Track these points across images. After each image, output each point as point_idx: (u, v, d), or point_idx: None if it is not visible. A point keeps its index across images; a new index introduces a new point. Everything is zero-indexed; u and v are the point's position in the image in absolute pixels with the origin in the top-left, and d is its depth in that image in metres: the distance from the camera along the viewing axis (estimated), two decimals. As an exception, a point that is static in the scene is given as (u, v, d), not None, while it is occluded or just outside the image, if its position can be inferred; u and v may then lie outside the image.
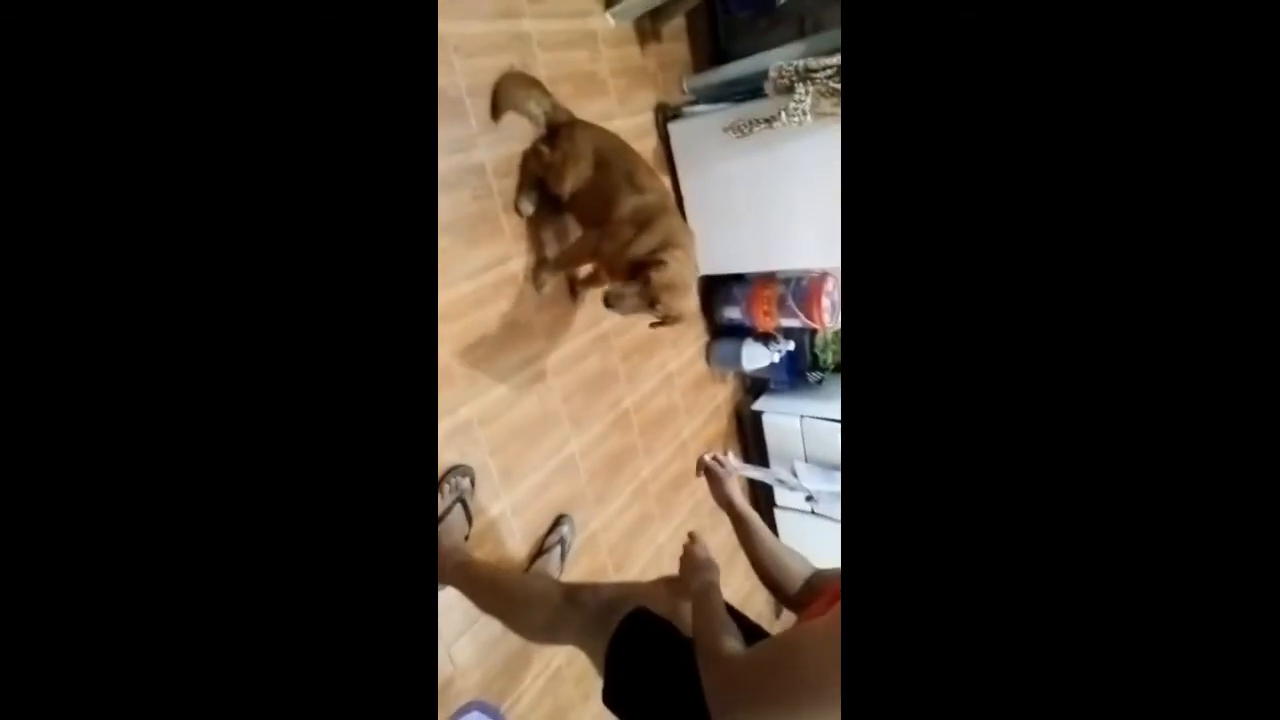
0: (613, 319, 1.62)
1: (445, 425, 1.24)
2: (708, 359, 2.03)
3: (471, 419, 1.29)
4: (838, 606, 0.72)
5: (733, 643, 0.75)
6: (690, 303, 1.27)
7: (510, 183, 1.36)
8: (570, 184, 1.32)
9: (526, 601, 1.11)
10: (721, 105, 1.69)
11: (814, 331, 1.98)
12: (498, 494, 1.37)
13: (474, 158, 1.29)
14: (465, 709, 1.27)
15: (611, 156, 1.33)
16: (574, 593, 1.06)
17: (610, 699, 0.91)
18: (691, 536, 0.97)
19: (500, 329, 1.35)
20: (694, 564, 0.91)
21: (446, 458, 1.25)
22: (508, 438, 1.38)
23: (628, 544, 1.74)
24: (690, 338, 1.96)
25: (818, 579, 0.96)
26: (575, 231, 1.42)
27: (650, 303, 1.21)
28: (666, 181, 1.81)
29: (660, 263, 1.20)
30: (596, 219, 1.33)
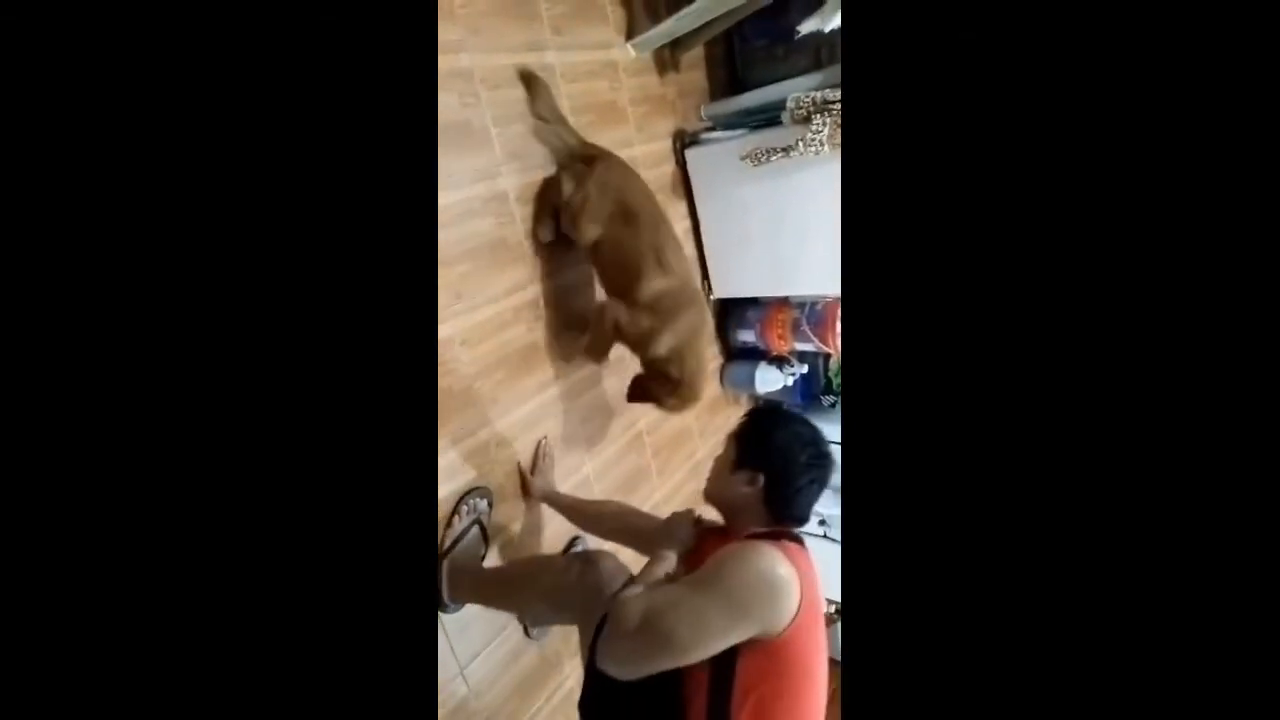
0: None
1: (464, 446, 1.26)
2: (721, 381, 2.04)
3: (489, 441, 1.31)
4: (706, 563, 0.86)
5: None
6: (704, 390, 1.38)
7: (532, 209, 1.39)
8: (588, 233, 1.32)
9: (532, 573, 1.15)
10: (739, 133, 1.72)
11: (828, 356, 1.99)
12: (516, 515, 1.38)
13: (498, 186, 1.32)
14: (478, 731, 1.28)
15: (641, 215, 1.33)
16: (575, 559, 1.12)
17: (584, 710, 0.96)
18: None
19: (520, 353, 1.37)
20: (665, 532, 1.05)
21: (464, 479, 1.27)
22: (526, 460, 1.39)
23: (641, 562, 1.75)
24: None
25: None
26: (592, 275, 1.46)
27: (664, 402, 1.34)
28: (683, 208, 1.84)
29: (675, 380, 1.32)
30: (617, 286, 1.35)
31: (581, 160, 1.36)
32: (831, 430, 1.98)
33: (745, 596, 0.81)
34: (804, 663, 0.83)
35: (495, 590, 1.21)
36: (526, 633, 1.40)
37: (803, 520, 0.98)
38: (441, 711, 1.22)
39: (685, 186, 1.82)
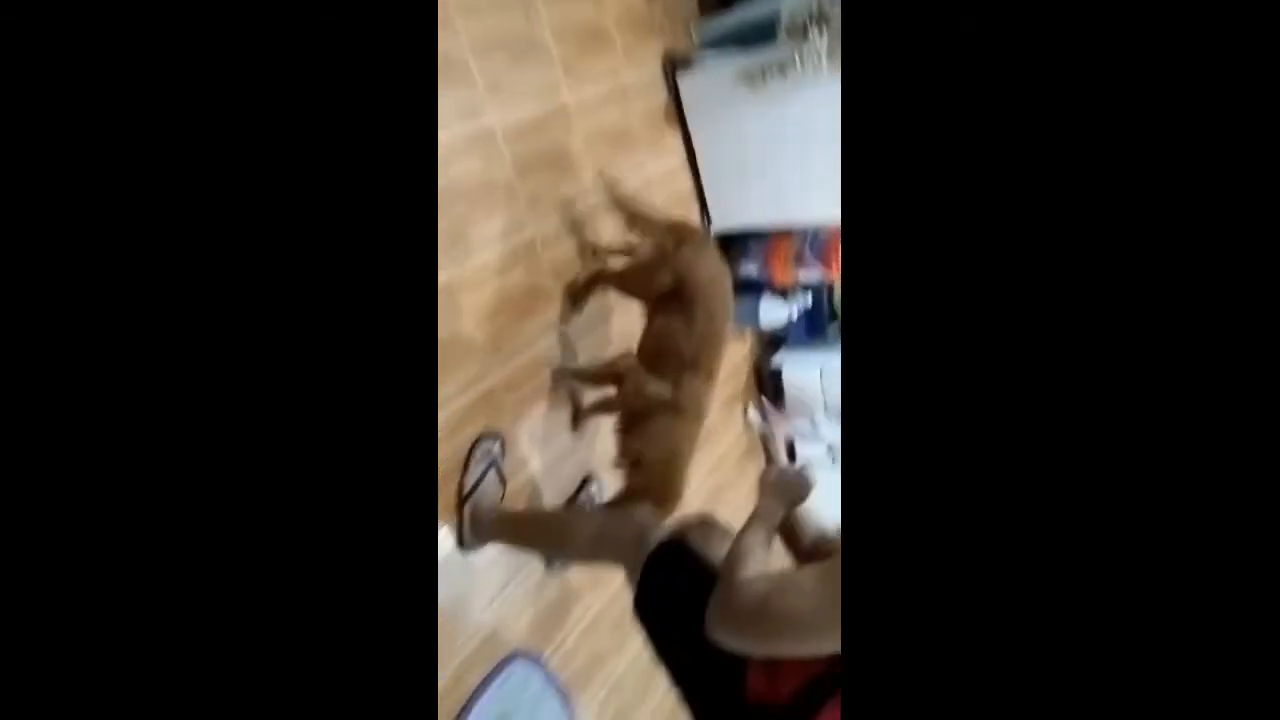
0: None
1: (470, 396, 1.27)
2: (725, 316, 2.02)
3: (496, 387, 1.32)
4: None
5: (750, 571, 0.79)
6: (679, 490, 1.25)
7: (523, 147, 1.34)
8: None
9: (569, 522, 1.18)
10: (732, 52, 1.63)
11: (832, 284, 1.96)
12: (527, 459, 1.40)
13: (483, 123, 1.27)
14: (509, 659, 1.35)
15: (698, 310, 1.25)
16: (615, 510, 1.14)
17: (639, 608, 0.96)
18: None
19: (521, 296, 1.35)
20: (762, 484, 0.96)
21: (475, 427, 1.28)
22: (533, 401, 1.40)
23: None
24: (707, 296, 1.95)
25: (829, 537, 0.99)
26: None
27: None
28: (677, 139, 1.77)
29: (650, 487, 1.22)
30: (649, 357, 1.30)
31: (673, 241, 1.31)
32: (838, 359, 1.99)
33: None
34: None
35: (525, 532, 1.26)
36: (547, 567, 1.46)
37: None
38: (472, 644, 1.29)
39: (679, 116, 1.75)
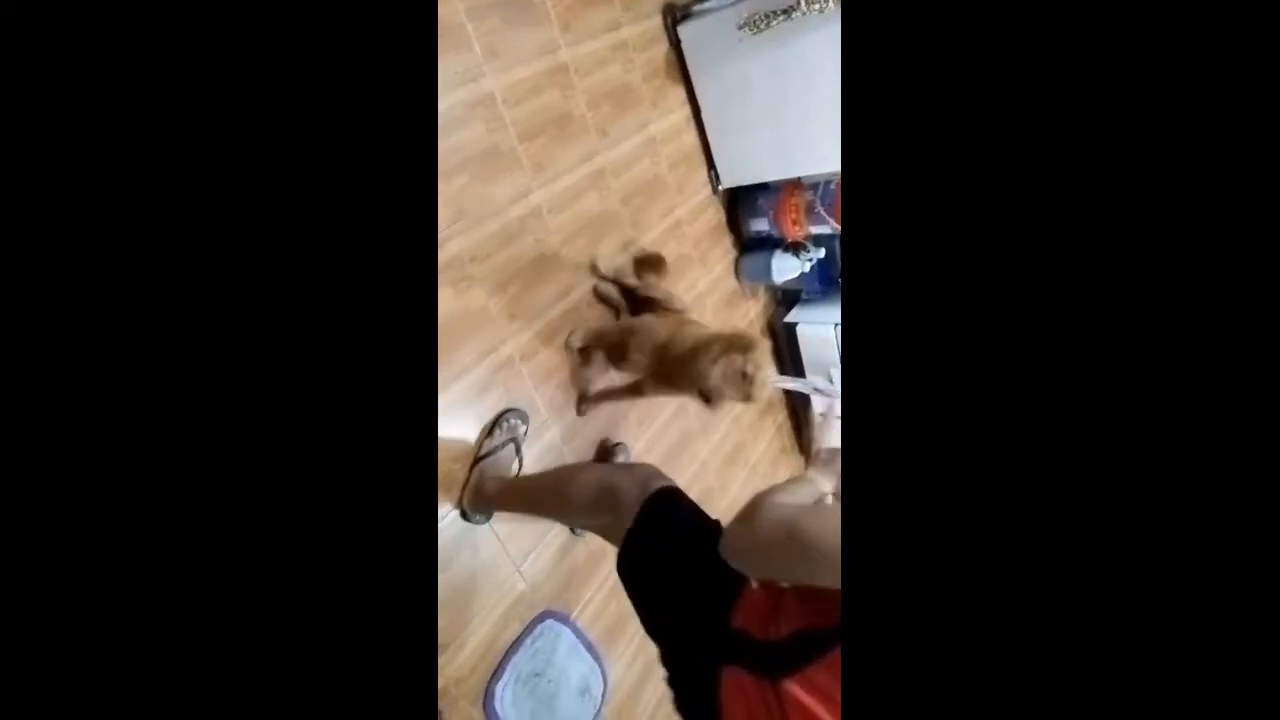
0: (644, 247, 1.61)
1: (488, 364, 1.28)
2: (737, 275, 2.00)
3: (514, 355, 1.33)
4: None
5: (784, 498, 0.81)
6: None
7: (522, 111, 1.31)
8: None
9: (572, 476, 1.13)
10: (734, -1, 1.57)
11: (845, 236, 1.92)
12: (547, 425, 1.42)
13: (482, 88, 1.24)
14: (540, 618, 1.39)
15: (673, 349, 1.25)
16: (616, 469, 1.12)
17: (622, 566, 0.92)
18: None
19: (532, 264, 1.35)
20: (816, 459, 0.95)
21: (492, 396, 1.29)
22: (552, 369, 1.41)
23: (674, 460, 1.81)
24: (718, 255, 1.93)
25: None
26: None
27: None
28: (681, 93, 1.73)
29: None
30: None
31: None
32: (852, 313, 1.97)
33: None
34: None
35: (530, 496, 1.21)
36: (573, 530, 1.49)
37: None
38: (503, 605, 1.33)
39: (681, 69, 1.70)
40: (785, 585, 0.80)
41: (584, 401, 1.49)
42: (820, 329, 2.02)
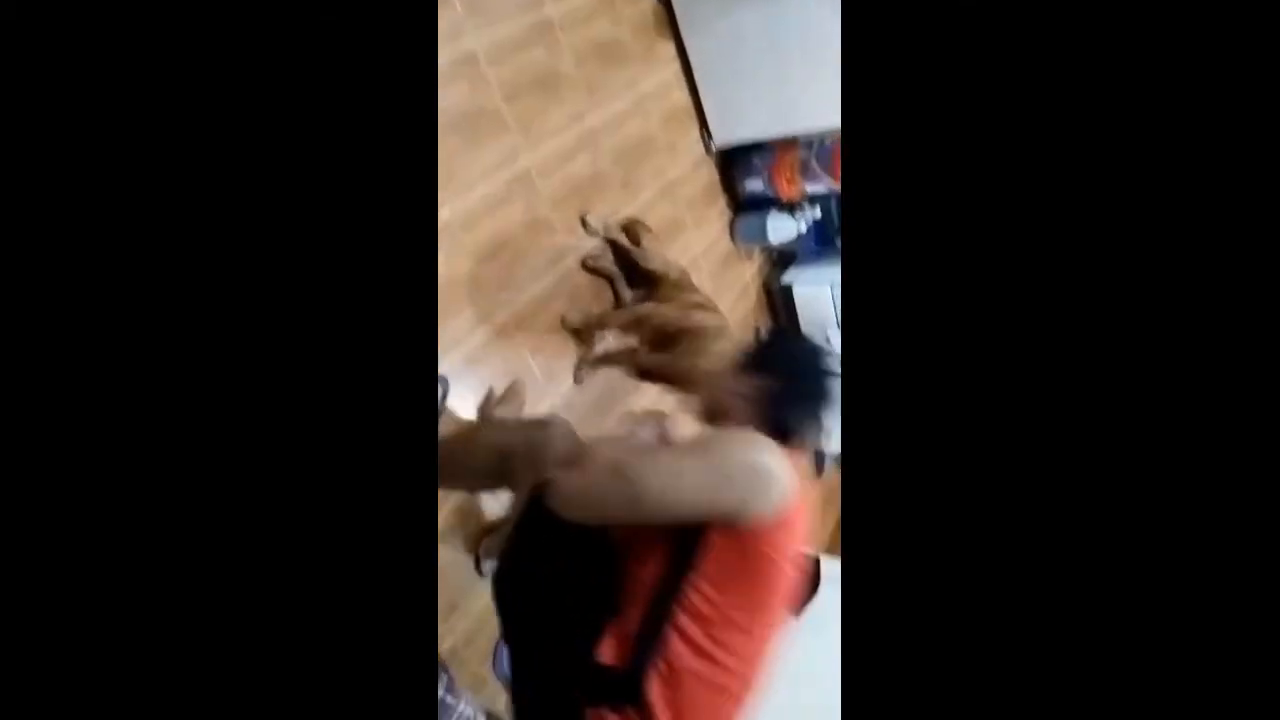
0: (636, 212, 1.58)
1: (481, 335, 1.27)
2: (732, 236, 1.97)
3: (509, 324, 1.31)
4: (707, 438, 0.84)
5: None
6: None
7: (506, 69, 1.27)
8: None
9: (473, 437, 1.05)
10: (724, -55, 1.50)
11: (840, 196, 1.89)
12: (545, 392, 1.42)
13: (464, 46, 1.20)
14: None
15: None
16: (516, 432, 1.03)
17: (496, 588, 0.86)
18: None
19: (522, 230, 1.32)
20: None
21: (489, 364, 1.28)
22: (547, 336, 1.40)
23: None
24: (713, 216, 1.90)
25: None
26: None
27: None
28: (671, 48, 1.67)
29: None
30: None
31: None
32: (849, 272, 1.95)
33: (732, 470, 0.75)
34: (779, 563, 0.78)
35: (455, 473, 1.05)
36: (477, 567, 1.27)
37: (801, 436, 0.91)
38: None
39: (670, 22, 1.64)
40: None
41: (582, 369, 1.48)
42: (817, 290, 2.01)
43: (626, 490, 0.76)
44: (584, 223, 1.43)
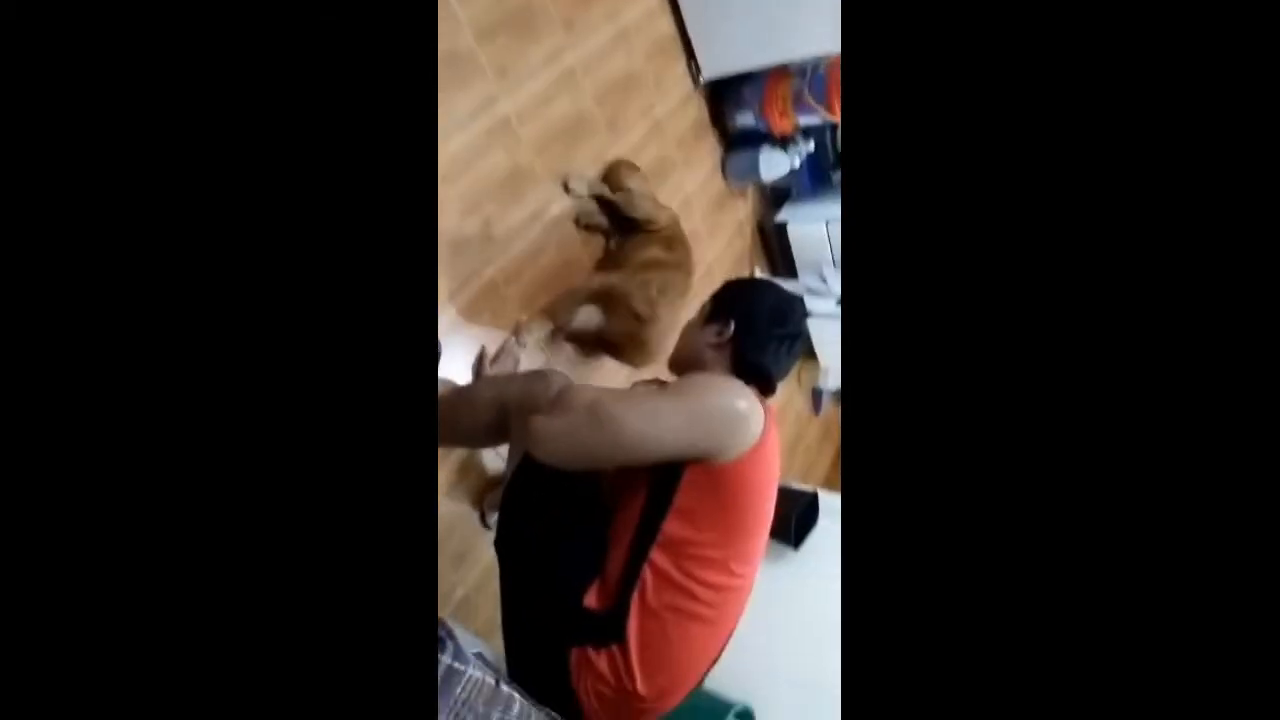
0: (623, 154, 1.52)
1: (470, 291, 1.25)
2: (724, 174, 1.91)
3: (497, 280, 1.29)
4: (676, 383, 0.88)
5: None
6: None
7: (477, 6, 1.19)
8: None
9: (471, 394, 1.07)
10: None
11: (836, 127, 1.82)
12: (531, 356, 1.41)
13: (430, -18, 1.12)
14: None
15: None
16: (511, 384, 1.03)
17: (497, 543, 0.90)
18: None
19: (504, 181, 1.28)
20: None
21: (480, 323, 1.27)
22: (537, 290, 1.38)
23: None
24: (703, 154, 1.83)
25: None
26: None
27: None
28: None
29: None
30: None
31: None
32: (844, 208, 1.91)
33: (704, 410, 0.79)
34: (747, 498, 0.82)
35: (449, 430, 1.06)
36: (483, 520, 1.29)
37: (769, 378, 0.94)
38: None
39: (651, -59, 1.52)
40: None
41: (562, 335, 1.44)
42: (812, 227, 1.97)
43: (604, 432, 0.79)
44: (566, 187, 1.38)
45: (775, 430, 0.84)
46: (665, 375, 1.05)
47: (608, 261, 1.44)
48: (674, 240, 1.41)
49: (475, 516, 1.27)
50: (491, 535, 1.28)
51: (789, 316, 0.97)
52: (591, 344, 1.35)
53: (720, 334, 0.94)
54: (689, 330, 1.02)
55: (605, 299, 1.29)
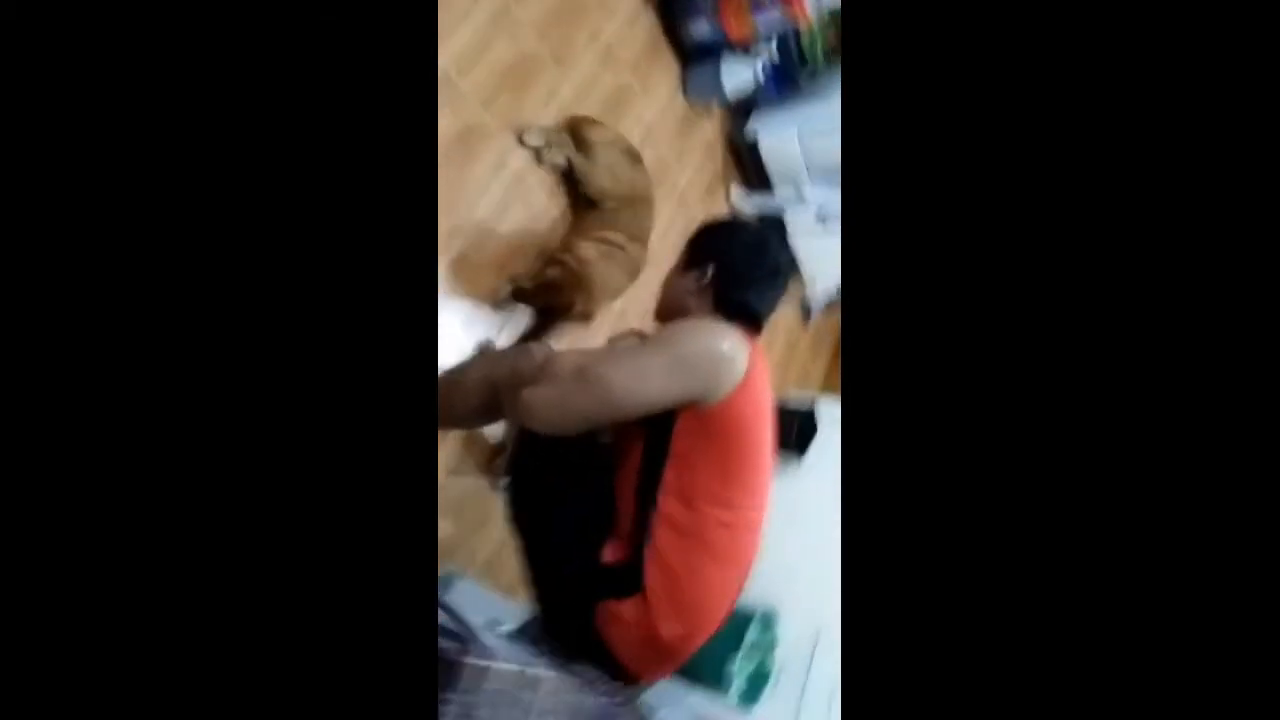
0: (575, 91, 1.43)
1: (442, 269, 1.21)
2: (685, 93, 1.81)
3: (467, 250, 1.25)
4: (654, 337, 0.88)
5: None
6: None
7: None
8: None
9: (456, 378, 1.05)
10: None
11: (798, 26, 1.70)
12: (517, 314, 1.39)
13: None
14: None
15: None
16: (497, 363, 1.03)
17: (509, 512, 0.91)
18: None
19: (455, 141, 1.21)
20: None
21: (459, 299, 1.24)
22: (510, 253, 1.34)
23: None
24: (661, 73, 1.72)
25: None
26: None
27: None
28: None
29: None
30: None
31: None
32: (815, 113, 1.81)
33: (688, 357, 0.80)
34: (742, 435, 0.83)
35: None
36: (494, 484, 1.30)
37: (757, 317, 0.93)
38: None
39: None
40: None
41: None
42: (785, 139, 1.88)
43: (592, 393, 0.80)
44: (520, 140, 1.31)
45: (763, 363, 0.85)
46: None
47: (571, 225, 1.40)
48: (627, 213, 1.37)
49: (486, 484, 1.31)
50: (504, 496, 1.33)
51: (766, 252, 0.96)
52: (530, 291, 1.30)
53: (700, 280, 0.93)
54: (670, 279, 1.01)
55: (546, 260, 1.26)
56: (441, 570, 1.20)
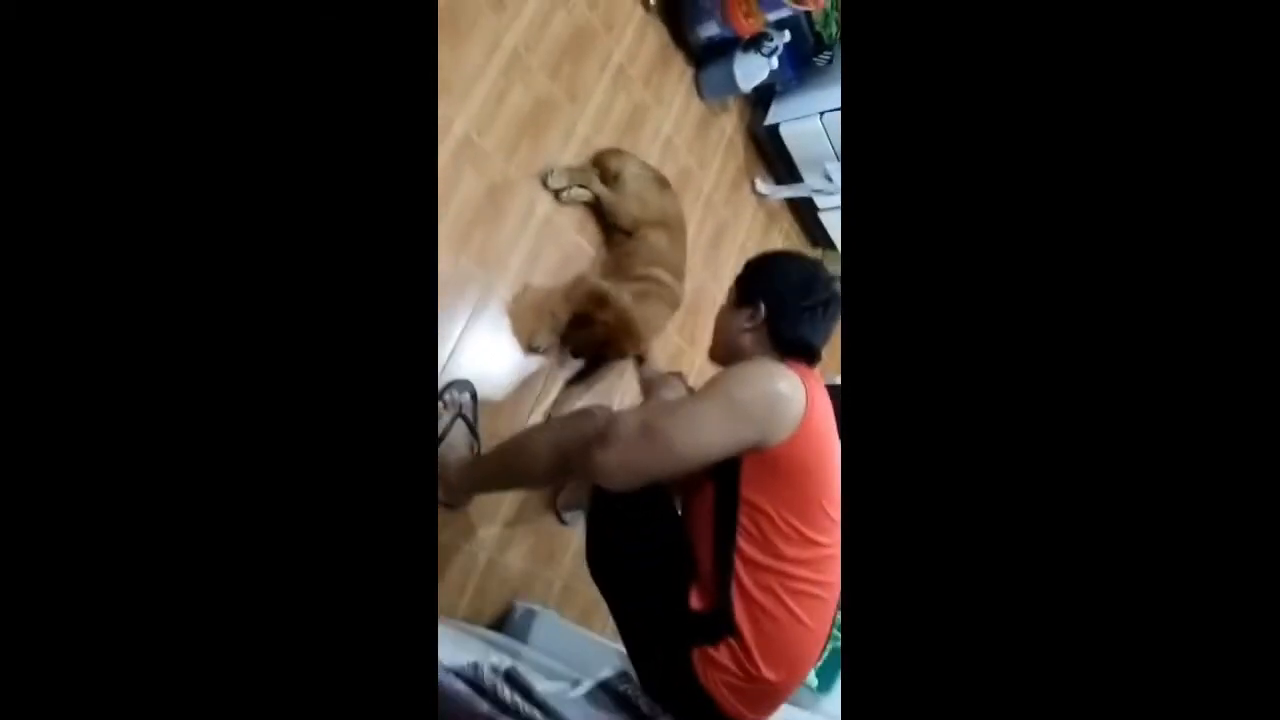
0: (593, 121, 1.43)
1: (487, 319, 1.25)
2: (701, 94, 1.77)
3: (505, 299, 1.29)
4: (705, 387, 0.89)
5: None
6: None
7: None
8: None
9: (525, 441, 1.09)
10: None
11: (809, 9, 1.63)
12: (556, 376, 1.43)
13: None
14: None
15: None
16: (564, 427, 1.06)
17: (589, 562, 0.94)
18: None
19: (483, 199, 1.24)
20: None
21: (502, 338, 1.29)
22: (544, 295, 1.37)
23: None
24: (674, 81, 1.69)
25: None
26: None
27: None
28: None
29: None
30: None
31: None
32: (834, 95, 1.75)
33: (745, 403, 0.81)
34: (809, 472, 0.83)
35: (496, 477, 1.13)
36: (560, 519, 1.36)
37: (812, 348, 0.93)
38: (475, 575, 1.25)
39: None
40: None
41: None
42: (805, 123, 1.83)
43: (657, 449, 0.83)
44: (545, 183, 1.33)
45: (823, 396, 0.86)
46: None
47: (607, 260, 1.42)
48: (662, 239, 1.39)
49: (552, 519, 1.38)
50: (568, 529, 1.39)
51: (815, 283, 0.97)
52: (582, 343, 1.32)
53: (753, 318, 0.96)
54: (722, 317, 1.04)
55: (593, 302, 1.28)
56: (522, 606, 1.28)
